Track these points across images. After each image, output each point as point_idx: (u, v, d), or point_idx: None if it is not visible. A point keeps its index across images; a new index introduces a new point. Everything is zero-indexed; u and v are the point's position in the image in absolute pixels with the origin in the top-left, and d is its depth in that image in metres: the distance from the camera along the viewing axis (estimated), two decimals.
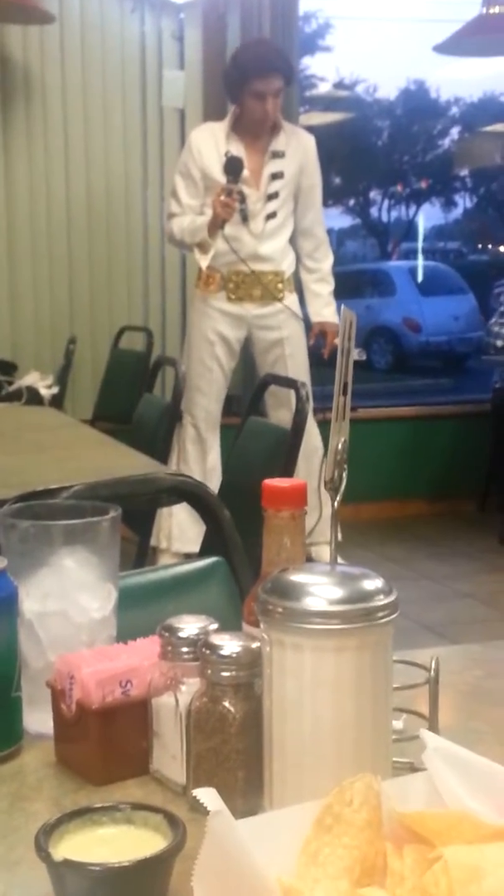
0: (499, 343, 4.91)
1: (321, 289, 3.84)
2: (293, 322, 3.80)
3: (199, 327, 3.76)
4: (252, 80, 3.55)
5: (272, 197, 3.68)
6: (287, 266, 3.77)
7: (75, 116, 4.33)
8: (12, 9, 3.91)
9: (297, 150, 3.72)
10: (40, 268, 4.38)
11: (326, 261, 3.86)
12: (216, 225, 3.50)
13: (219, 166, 3.61)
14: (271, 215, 3.69)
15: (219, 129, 3.73)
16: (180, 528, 3.69)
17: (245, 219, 3.63)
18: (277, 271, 3.73)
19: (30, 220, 4.34)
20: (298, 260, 3.84)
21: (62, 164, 4.34)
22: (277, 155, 3.69)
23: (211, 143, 3.67)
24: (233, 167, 3.54)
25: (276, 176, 3.68)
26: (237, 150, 3.64)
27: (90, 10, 4.30)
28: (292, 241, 3.82)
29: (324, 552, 3.65)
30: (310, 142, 3.79)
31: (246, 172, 3.62)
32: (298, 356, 3.83)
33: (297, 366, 3.82)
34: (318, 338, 3.84)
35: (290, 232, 3.79)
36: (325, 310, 3.83)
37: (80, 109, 4.34)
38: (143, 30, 4.39)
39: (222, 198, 3.45)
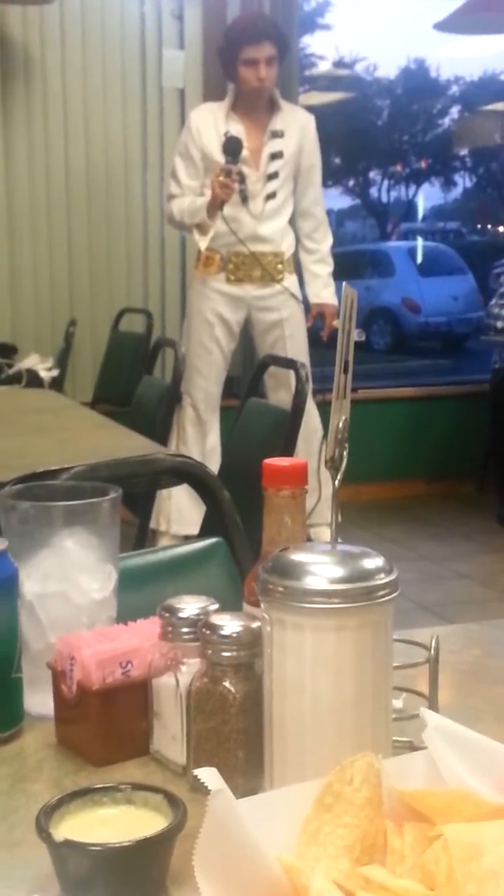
0: (499, 324, 4.90)
1: (320, 270, 3.83)
2: (293, 303, 3.79)
3: (198, 309, 3.75)
4: (243, 47, 3.56)
5: (272, 177, 3.66)
6: (287, 247, 3.75)
7: (75, 97, 4.31)
8: None
9: (296, 129, 3.71)
10: (40, 250, 4.36)
11: (326, 242, 3.85)
12: (215, 206, 3.49)
13: (218, 146, 3.60)
14: (271, 195, 3.67)
15: (218, 108, 3.71)
16: (179, 511, 3.69)
17: (245, 199, 3.61)
18: (277, 252, 3.71)
19: (29, 201, 4.32)
20: (297, 241, 3.82)
21: (62, 145, 4.32)
22: (277, 135, 3.67)
23: (210, 122, 3.65)
24: (232, 147, 3.52)
25: (275, 156, 3.66)
26: (236, 129, 3.62)
27: None
28: (291, 221, 3.80)
29: (323, 533, 3.65)
30: (309, 121, 3.78)
31: (245, 152, 3.61)
32: (298, 337, 3.82)
33: (297, 347, 3.81)
34: (316, 319, 3.83)
35: (290, 212, 3.77)
36: (324, 291, 3.82)
37: (80, 90, 4.31)
38: (143, 9, 4.36)
39: (221, 178, 3.44)
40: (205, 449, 3.75)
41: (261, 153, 3.66)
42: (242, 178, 3.60)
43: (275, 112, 3.70)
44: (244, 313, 3.77)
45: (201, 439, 3.75)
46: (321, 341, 3.79)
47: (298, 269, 3.87)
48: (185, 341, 3.80)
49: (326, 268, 3.84)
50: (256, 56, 3.54)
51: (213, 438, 3.80)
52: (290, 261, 3.78)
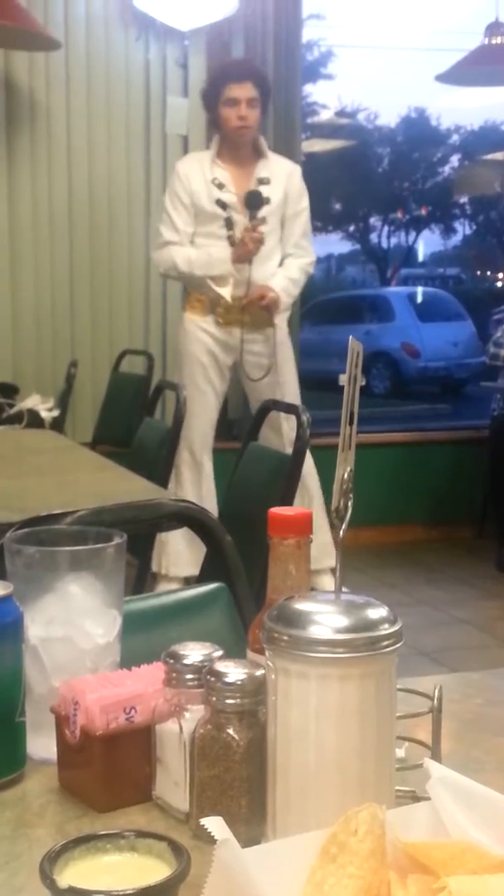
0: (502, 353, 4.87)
1: (279, 271, 3.74)
2: (284, 348, 3.80)
3: (190, 350, 3.76)
4: (225, 87, 3.60)
5: (259, 223, 3.68)
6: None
7: (79, 142, 4.37)
8: (19, 35, 3.95)
9: (282, 177, 3.73)
10: (42, 291, 4.40)
11: (299, 263, 3.77)
12: (242, 260, 3.55)
13: (206, 193, 3.64)
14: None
15: (204, 156, 3.76)
16: (177, 553, 3.69)
17: (234, 245, 3.64)
18: (255, 290, 3.68)
19: (33, 243, 4.36)
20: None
21: (66, 188, 4.37)
22: (263, 181, 3.69)
23: (197, 169, 3.69)
24: (254, 201, 3.58)
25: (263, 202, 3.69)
26: (223, 176, 3.66)
27: (96, 38, 4.35)
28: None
29: (322, 580, 3.64)
30: (294, 170, 3.81)
31: (233, 198, 3.65)
32: (290, 382, 3.83)
33: (289, 392, 3.81)
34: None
35: (279, 259, 3.77)
36: (274, 280, 3.70)
37: (85, 135, 4.37)
38: (148, 57, 4.44)
39: (254, 234, 3.49)
40: (201, 491, 3.75)
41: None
42: (231, 225, 3.64)
43: (260, 159, 3.73)
44: (234, 356, 3.77)
45: (197, 482, 3.76)
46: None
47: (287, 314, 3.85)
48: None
49: (285, 272, 3.73)
50: (238, 95, 3.58)
51: (209, 481, 3.80)
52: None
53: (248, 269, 3.65)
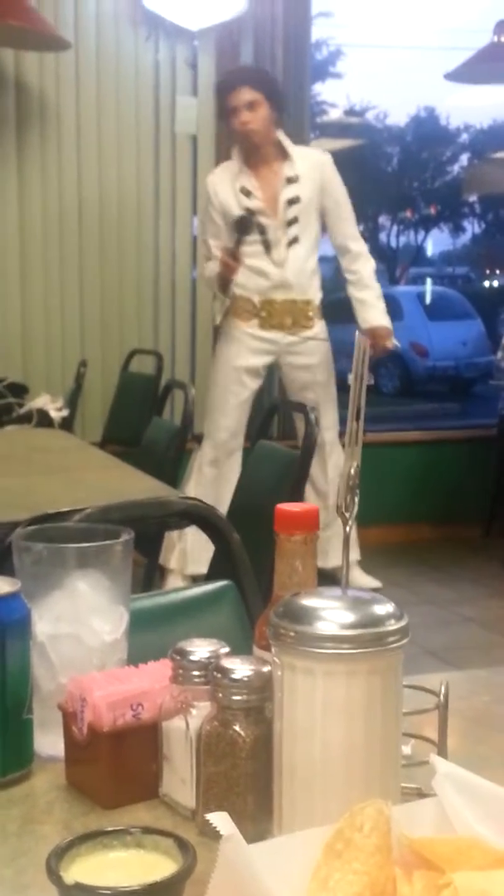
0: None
1: (364, 295, 3.81)
2: (322, 348, 3.84)
3: (227, 355, 3.81)
4: (225, 100, 3.69)
5: (291, 223, 3.72)
6: (314, 293, 3.80)
7: (89, 142, 4.37)
8: (29, 36, 3.95)
9: (312, 171, 3.74)
10: (52, 292, 4.40)
11: (366, 267, 3.83)
12: (221, 284, 3.64)
13: (235, 202, 3.69)
14: (294, 241, 3.72)
15: (232, 165, 3.80)
16: (193, 550, 3.69)
17: (267, 248, 3.68)
18: (307, 300, 3.77)
19: (42, 243, 4.37)
20: (342, 273, 3.88)
21: (75, 188, 4.38)
22: (292, 181, 3.72)
23: (227, 180, 3.74)
24: (242, 226, 3.62)
25: (292, 201, 3.72)
26: (249, 184, 3.69)
27: (105, 38, 4.35)
28: (326, 261, 3.90)
29: (353, 573, 3.67)
30: (325, 160, 3.81)
31: (261, 204, 3.69)
32: (327, 384, 3.88)
33: (326, 393, 3.87)
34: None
35: (316, 257, 3.82)
36: (369, 314, 3.79)
37: (94, 135, 4.38)
38: (158, 57, 4.44)
39: (224, 258, 3.58)
40: (222, 491, 3.75)
41: (277, 201, 3.71)
42: (263, 229, 3.68)
43: (286, 159, 3.75)
44: (272, 358, 3.83)
45: (218, 480, 3.76)
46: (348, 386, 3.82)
47: (325, 315, 3.90)
48: (212, 384, 3.86)
49: (370, 292, 3.81)
50: (234, 103, 3.63)
51: (234, 480, 3.81)
52: (319, 307, 3.83)
53: (278, 273, 3.70)
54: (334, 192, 3.80)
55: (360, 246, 3.87)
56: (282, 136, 3.76)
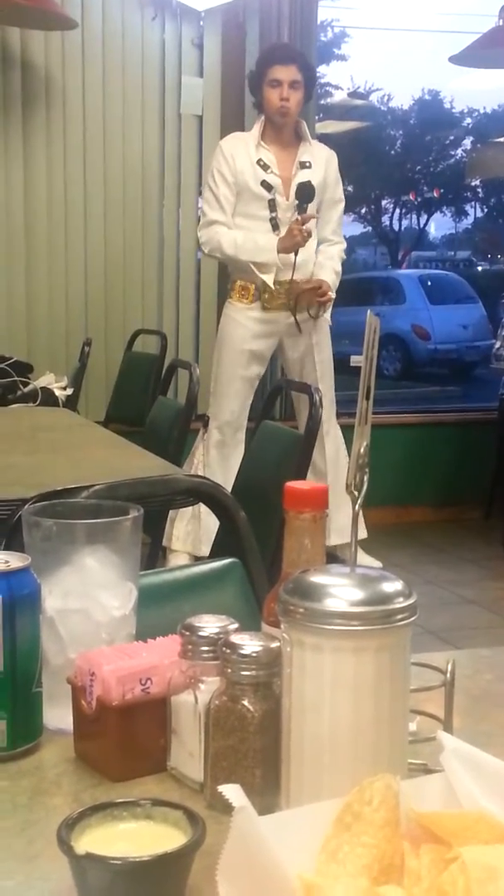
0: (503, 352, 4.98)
1: (325, 262, 3.81)
2: (323, 328, 3.86)
3: (232, 337, 3.80)
4: (270, 68, 3.66)
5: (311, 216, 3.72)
6: (315, 274, 3.80)
7: (95, 122, 4.35)
8: (35, 14, 3.93)
9: (322, 162, 3.79)
10: (57, 271, 4.40)
11: (338, 252, 3.88)
12: (289, 250, 3.57)
13: (251, 173, 3.67)
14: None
15: (248, 136, 3.79)
16: (207, 532, 3.70)
17: (276, 227, 3.68)
18: (308, 280, 3.76)
19: (47, 223, 4.36)
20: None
21: (81, 168, 4.37)
22: (305, 165, 3.75)
23: (242, 149, 3.72)
24: (306, 193, 3.62)
25: (304, 185, 3.73)
26: (267, 157, 3.70)
27: (111, 17, 4.32)
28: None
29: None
30: (333, 157, 3.87)
31: (278, 180, 3.68)
32: (327, 362, 3.90)
33: (325, 371, 3.88)
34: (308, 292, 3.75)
35: (317, 241, 3.84)
36: (323, 272, 3.77)
37: (100, 115, 4.36)
38: (164, 37, 4.41)
39: (304, 227, 3.53)
40: (228, 472, 3.76)
41: (290, 183, 3.72)
42: (274, 207, 3.67)
43: (303, 143, 3.77)
44: (277, 339, 3.83)
45: (225, 462, 3.77)
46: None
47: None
48: (216, 367, 3.86)
49: (332, 263, 3.82)
50: (281, 77, 3.63)
51: (239, 461, 3.82)
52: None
53: (293, 255, 3.69)
54: (335, 190, 3.86)
55: (340, 239, 3.95)
56: (301, 121, 3.80)
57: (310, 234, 3.60)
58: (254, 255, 3.63)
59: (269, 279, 3.64)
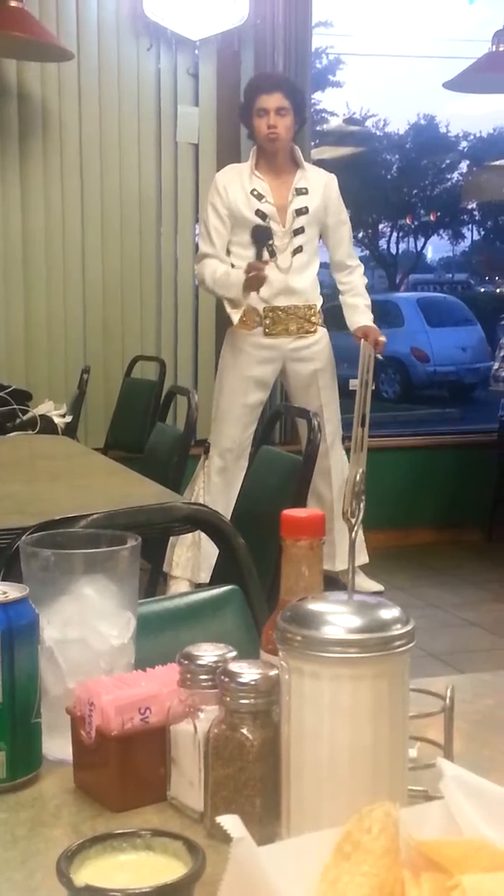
0: (502, 374, 5.00)
1: (355, 301, 3.92)
2: (326, 353, 3.88)
3: (234, 364, 3.82)
4: (255, 99, 3.71)
5: (298, 232, 3.77)
6: (316, 298, 3.86)
7: (92, 151, 4.39)
8: (32, 46, 3.97)
9: (319, 187, 3.82)
10: (55, 299, 4.42)
11: (358, 278, 3.96)
12: (252, 289, 3.60)
13: (245, 203, 3.71)
14: (297, 250, 3.77)
15: (243, 168, 3.83)
16: (207, 559, 3.69)
17: (273, 254, 3.71)
18: (310, 304, 3.81)
19: (45, 251, 4.38)
20: (335, 285, 3.94)
21: (78, 197, 4.39)
22: (301, 191, 3.78)
23: (236, 181, 3.76)
24: (261, 236, 3.64)
25: (300, 212, 3.77)
26: (261, 188, 3.72)
27: (107, 48, 4.37)
28: (324, 275, 3.92)
29: (357, 577, 3.68)
30: (332, 180, 3.89)
31: (272, 209, 3.72)
32: (330, 387, 3.91)
33: (329, 396, 3.90)
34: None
35: (317, 266, 3.88)
36: (361, 317, 3.88)
37: (97, 144, 4.39)
38: (159, 66, 4.45)
39: (251, 274, 3.55)
40: (230, 498, 3.76)
41: (286, 210, 3.75)
42: (270, 234, 3.70)
43: (297, 170, 3.81)
44: (279, 365, 3.85)
45: (228, 488, 3.77)
46: (349, 390, 3.88)
47: (326, 320, 3.94)
48: (217, 393, 3.88)
49: (360, 299, 3.92)
50: (267, 105, 3.67)
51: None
52: (320, 312, 3.88)
53: (283, 279, 3.73)
54: (339, 212, 3.89)
55: (357, 262, 4.01)
56: (296, 147, 3.83)
57: (264, 279, 3.57)
58: (225, 290, 3.68)
59: (234, 315, 3.67)
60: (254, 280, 3.56)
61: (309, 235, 3.78)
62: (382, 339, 3.91)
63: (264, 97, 3.68)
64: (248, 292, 3.61)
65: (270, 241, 3.68)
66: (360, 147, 18.74)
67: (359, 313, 3.89)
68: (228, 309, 3.70)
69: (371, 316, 3.91)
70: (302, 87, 4.39)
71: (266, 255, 3.68)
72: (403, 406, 11.53)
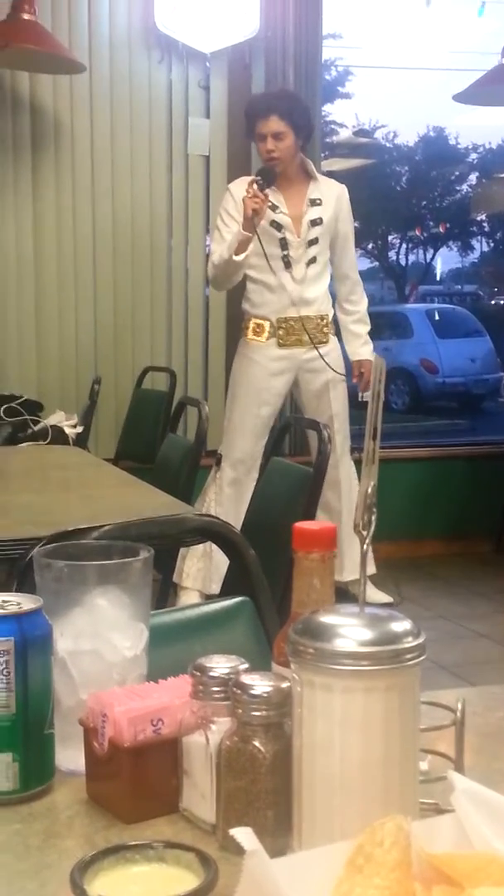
0: None
1: (359, 329, 3.97)
2: (338, 363, 3.90)
3: (247, 376, 3.82)
4: (254, 123, 3.72)
5: (312, 243, 3.77)
6: (328, 309, 3.88)
7: (103, 164, 4.41)
8: (44, 59, 4.00)
9: (332, 198, 3.84)
10: (66, 310, 4.44)
11: (363, 303, 4.00)
12: (249, 218, 3.49)
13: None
14: (312, 260, 3.78)
15: None
16: (217, 570, 3.69)
17: (288, 265, 3.72)
18: (322, 315, 3.82)
19: (57, 263, 4.40)
20: (335, 303, 3.96)
21: (90, 209, 4.42)
22: (315, 202, 3.80)
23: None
24: (266, 174, 3.60)
25: (315, 223, 3.78)
26: (275, 198, 3.72)
27: (119, 61, 4.40)
28: (329, 285, 3.93)
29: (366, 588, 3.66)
30: (343, 191, 3.91)
31: (287, 219, 3.73)
32: (342, 397, 3.93)
33: (340, 406, 3.92)
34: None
35: (329, 277, 3.90)
36: (363, 349, 3.96)
37: (108, 157, 4.41)
38: (171, 79, 4.48)
39: (249, 192, 3.46)
40: (241, 509, 3.75)
41: (301, 220, 3.76)
42: (285, 245, 3.71)
43: (311, 181, 3.82)
44: (292, 376, 3.86)
45: (240, 499, 3.77)
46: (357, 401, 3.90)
47: (337, 331, 3.97)
48: (230, 404, 3.88)
49: (365, 327, 3.98)
50: (263, 131, 3.68)
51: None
52: (332, 323, 3.90)
53: (297, 290, 3.73)
54: (347, 223, 3.91)
55: (358, 276, 4.05)
56: (306, 159, 3.83)
57: (261, 199, 3.48)
58: (230, 249, 3.54)
59: (238, 258, 3.55)
60: (250, 200, 3.44)
61: (322, 246, 3.80)
62: (367, 377, 3.94)
63: (261, 122, 3.68)
64: (249, 222, 3.49)
65: (272, 184, 3.59)
66: (369, 158, 18.78)
67: (360, 343, 3.96)
68: (235, 256, 3.52)
69: (371, 345, 3.98)
70: (310, 100, 4.41)
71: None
72: (412, 417, 11.52)
